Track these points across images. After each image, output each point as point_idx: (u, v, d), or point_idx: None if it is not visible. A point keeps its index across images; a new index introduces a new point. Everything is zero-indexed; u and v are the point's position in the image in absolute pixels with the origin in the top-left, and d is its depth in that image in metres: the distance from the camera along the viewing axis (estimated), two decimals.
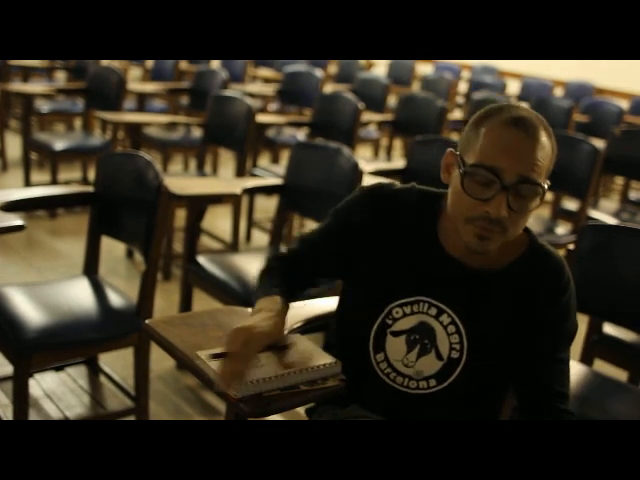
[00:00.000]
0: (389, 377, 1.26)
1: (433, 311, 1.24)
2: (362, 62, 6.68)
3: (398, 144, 5.49)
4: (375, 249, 1.27)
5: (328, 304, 1.50)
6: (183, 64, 5.68)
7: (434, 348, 1.24)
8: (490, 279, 1.24)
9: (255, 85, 5.78)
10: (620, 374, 2.22)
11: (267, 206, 4.13)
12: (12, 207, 2.01)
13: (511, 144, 1.11)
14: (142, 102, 4.55)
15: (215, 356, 1.17)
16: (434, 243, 1.25)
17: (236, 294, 2.23)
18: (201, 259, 2.44)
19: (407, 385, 1.26)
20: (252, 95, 4.54)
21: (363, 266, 1.29)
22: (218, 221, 4.12)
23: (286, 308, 1.27)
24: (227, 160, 5.14)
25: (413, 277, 1.25)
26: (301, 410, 1.39)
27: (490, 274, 1.24)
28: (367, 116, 4.37)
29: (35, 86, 4.63)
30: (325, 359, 1.25)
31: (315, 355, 1.26)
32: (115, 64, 4.32)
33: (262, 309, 1.23)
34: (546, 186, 1.14)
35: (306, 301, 1.50)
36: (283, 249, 1.44)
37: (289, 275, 1.36)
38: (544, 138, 1.13)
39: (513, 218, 1.13)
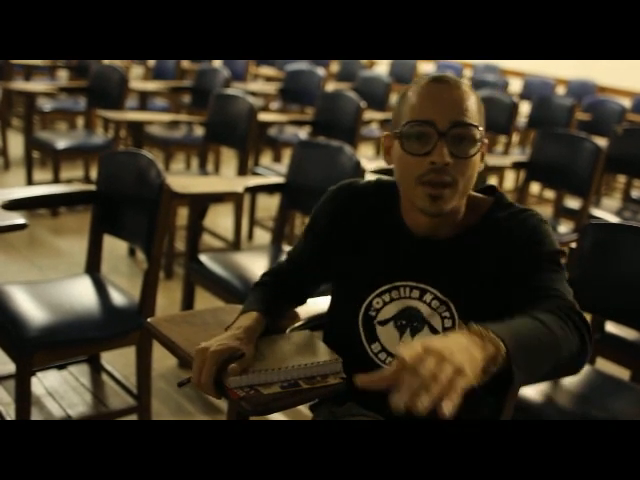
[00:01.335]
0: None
1: (416, 293, 1.25)
2: (364, 60, 6.68)
3: None
4: (348, 245, 1.30)
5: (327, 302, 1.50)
6: (185, 63, 5.68)
7: (426, 324, 1.24)
8: (460, 243, 1.24)
9: (257, 84, 5.78)
10: (622, 373, 2.22)
11: (269, 204, 4.13)
12: (14, 206, 2.01)
13: (437, 96, 1.15)
14: (144, 101, 4.55)
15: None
16: (399, 227, 1.26)
17: (238, 292, 2.23)
18: (203, 257, 2.45)
19: None
20: (254, 94, 4.54)
21: (341, 264, 1.31)
22: (220, 219, 4.12)
23: (259, 323, 1.26)
24: (229, 159, 5.15)
25: (386, 265, 1.27)
26: (302, 408, 1.39)
27: (459, 238, 1.24)
28: (369, 114, 4.38)
29: (37, 85, 4.63)
30: (326, 356, 1.25)
31: (317, 352, 1.26)
32: (117, 63, 4.32)
33: (233, 326, 1.25)
34: (486, 141, 1.18)
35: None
36: (273, 265, 1.45)
37: (274, 289, 1.37)
38: (467, 88, 1.17)
39: (459, 167, 1.14)
